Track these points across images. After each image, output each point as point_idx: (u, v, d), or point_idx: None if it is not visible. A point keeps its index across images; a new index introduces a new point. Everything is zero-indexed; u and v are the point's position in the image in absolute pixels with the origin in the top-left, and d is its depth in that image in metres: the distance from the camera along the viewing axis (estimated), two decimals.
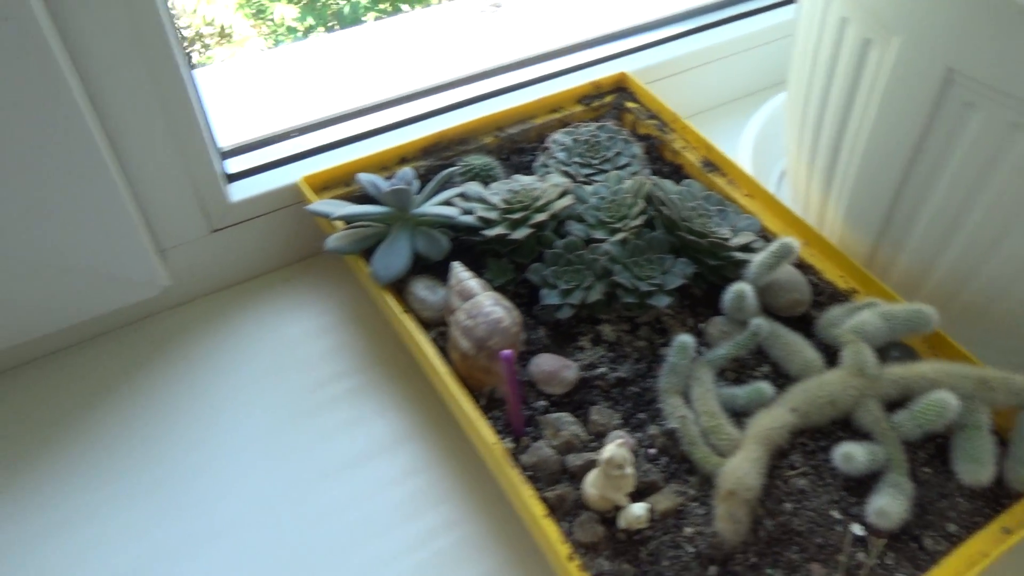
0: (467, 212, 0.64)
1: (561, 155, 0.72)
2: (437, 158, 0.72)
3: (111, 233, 0.59)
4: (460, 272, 0.59)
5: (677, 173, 0.74)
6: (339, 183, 0.70)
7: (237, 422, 0.63)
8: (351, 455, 0.61)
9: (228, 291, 0.72)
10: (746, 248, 0.63)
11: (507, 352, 0.47)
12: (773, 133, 0.83)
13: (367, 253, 0.62)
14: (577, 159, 0.71)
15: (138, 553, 0.56)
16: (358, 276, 0.66)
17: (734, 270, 0.62)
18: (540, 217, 0.62)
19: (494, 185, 0.67)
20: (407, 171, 0.67)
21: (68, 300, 0.61)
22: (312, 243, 0.73)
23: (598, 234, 0.63)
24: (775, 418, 0.52)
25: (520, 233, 0.61)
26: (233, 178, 0.69)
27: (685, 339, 0.55)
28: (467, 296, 0.57)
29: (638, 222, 0.63)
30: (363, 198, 0.67)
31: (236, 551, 0.56)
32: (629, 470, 0.48)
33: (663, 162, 0.75)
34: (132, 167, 0.60)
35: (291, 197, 0.70)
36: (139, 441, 0.61)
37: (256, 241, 0.71)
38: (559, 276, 0.60)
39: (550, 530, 0.48)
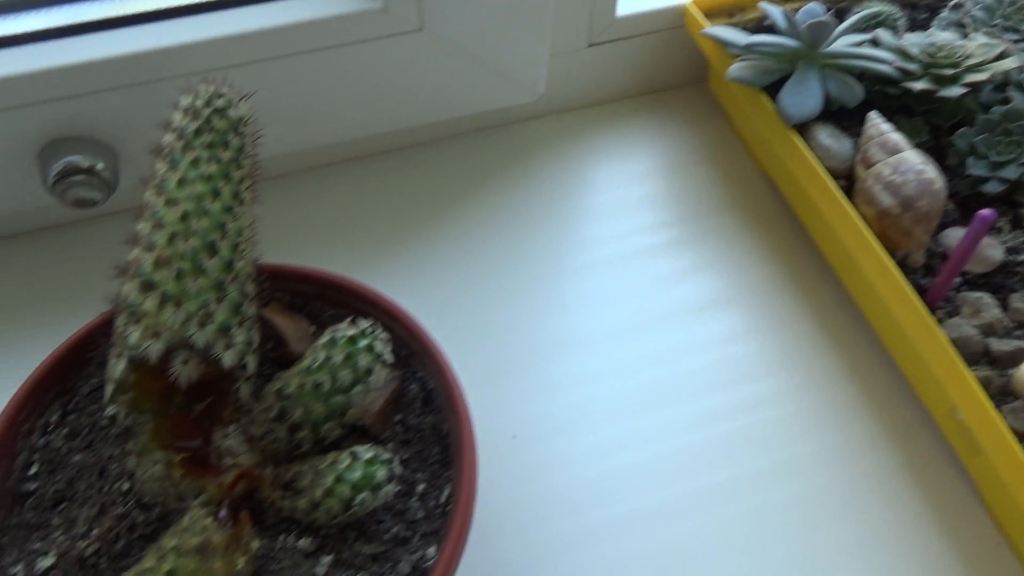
0: (878, 61, 0.58)
1: (980, 14, 0.63)
2: None
3: (523, 30, 0.58)
4: (881, 123, 0.54)
5: None
6: (724, 12, 0.65)
7: (565, 247, 0.62)
8: (684, 304, 0.59)
9: (578, 113, 0.71)
10: None
11: (988, 212, 0.43)
12: None
13: (768, 90, 0.59)
14: (1001, 20, 0.63)
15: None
16: (746, 114, 0.63)
17: None
18: (976, 77, 0.55)
19: (907, 36, 0.60)
20: (814, 6, 0.61)
21: (454, 93, 0.62)
22: (674, 75, 0.70)
23: None
24: None
25: (951, 91, 0.55)
26: None
27: None
28: (892, 150, 0.53)
29: None
30: (756, 31, 0.63)
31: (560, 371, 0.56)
32: None
33: None
34: None
35: (674, 21, 0.66)
36: (491, 242, 0.62)
37: (625, 63, 0.68)
38: (992, 146, 0.54)
39: (988, 407, 0.45)
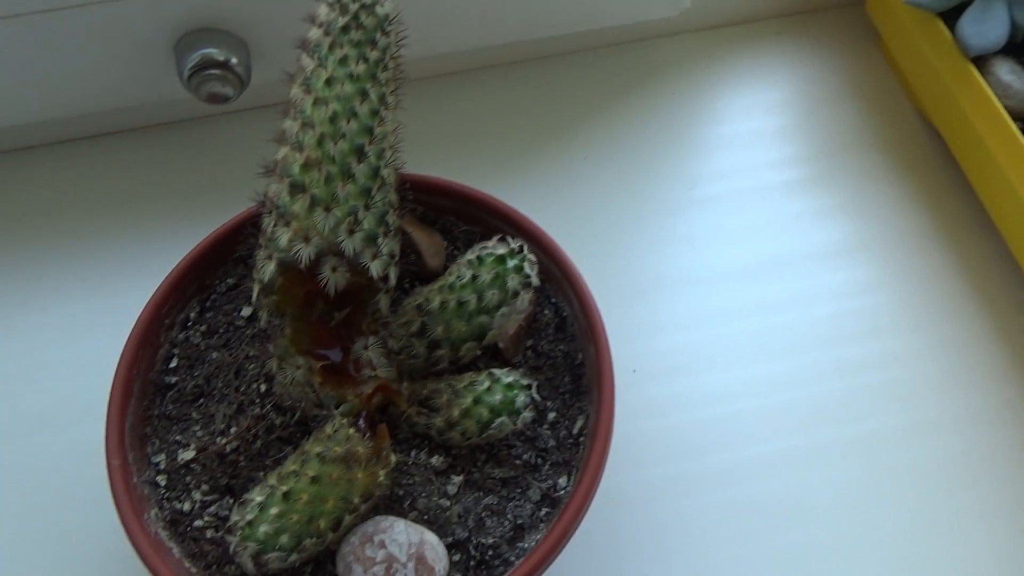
0: None
1: None
2: None
3: None
4: None
5: None
6: None
7: (695, 177, 0.58)
8: (818, 247, 0.55)
9: (717, 32, 0.65)
10: None
11: None
12: None
13: (945, 17, 0.53)
14: None
15: None
16: (913, 42, 0.56)
17: None
18: None
19: None
20: None
21: (596, 1, 0.58)
22: None
23: None
24: None
25: None
26: None
27: None
28: None
29: None
30: None
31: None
32: None
33: None
34: None
35: None
36: (619, 165, 0.59)
37: None
38: None
39: None
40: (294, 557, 0.34)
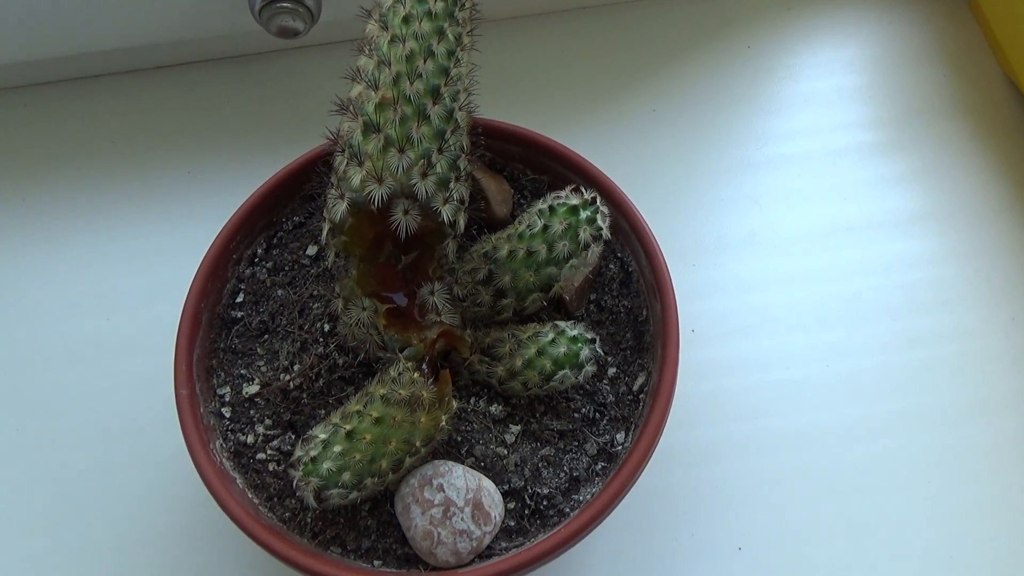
0: None
1: None
2: None
3: None
4: None
5: None
6: None
7: (766, 135, 0.56)
8: (891, 214, 0.53)
9: None
10: None
11: None
12: None
13: None
14: None
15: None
16: (1009, 3, 0.53)
17: None
18: None
19: None
20: None
21: None
22: None
23: None
24: None
25: None
26: None
27: None
28: None
29: None
30: None
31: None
32: None
33: None
34: None
35: None
36: (689, 118, 0.57)
37: None
38: None
39: None
40: (354, 495, 0.34)
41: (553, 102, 0.58)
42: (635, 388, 0.39)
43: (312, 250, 0.42)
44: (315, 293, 0.41)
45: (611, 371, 0.39)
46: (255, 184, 0.43)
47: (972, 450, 0.46)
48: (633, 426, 0.38)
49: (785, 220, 0.54)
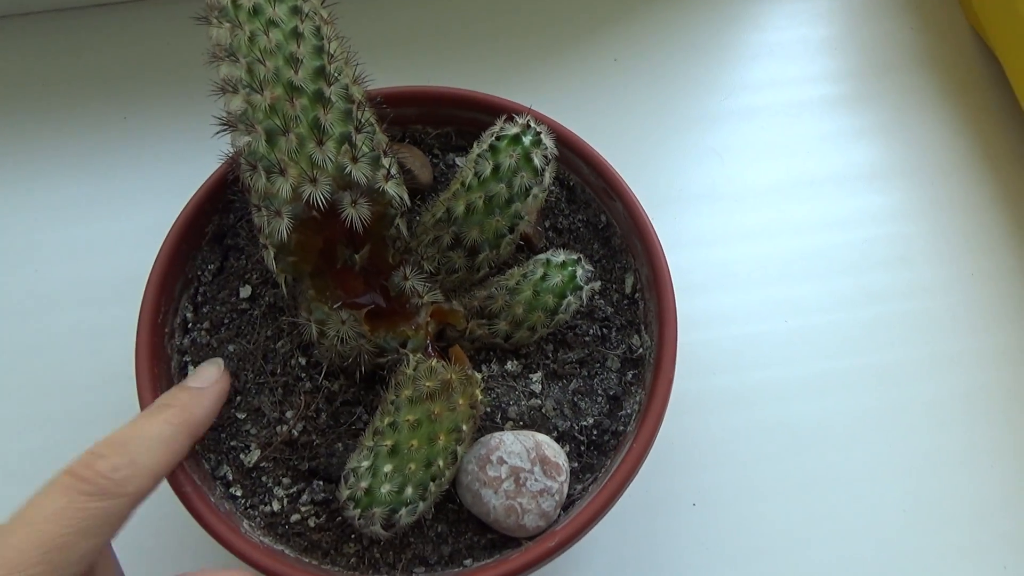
0: None
1: None
2: None
3: None
4: None
5: None
6: None
7: (731, 87, 0.54)
8: (856, 169, 0.52)
9: None
10: None
11: None
12: None
13: None
14: None
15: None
16: None
17: None
18: None
19: None
20: None
21: None
22: None
23: None
24: None
25: None
26: None
27: None
28: None
29: None
30: None
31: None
32: None
33: None
34: None
35: None
36: (651, 71, 0.54)
37: None
38: None
39: None
40: (421, 507, 0.32)
41: (507, 51, 0.54)
42: (627, 291, 0.39)
43: (246, 291, 0.38)
44: (270, 334, 0.37)
45: (597, 284, 0.39)
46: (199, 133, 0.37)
47: (928, 405, 0.46)
48: (643, 325, 0.38)
49: (747, 173, 0.52)
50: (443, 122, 0.41)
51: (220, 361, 0.35)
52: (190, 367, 0.36)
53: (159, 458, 0.30)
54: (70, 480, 0.27)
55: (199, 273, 0.38)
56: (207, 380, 0.33)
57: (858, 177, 0.52)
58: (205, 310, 0.38)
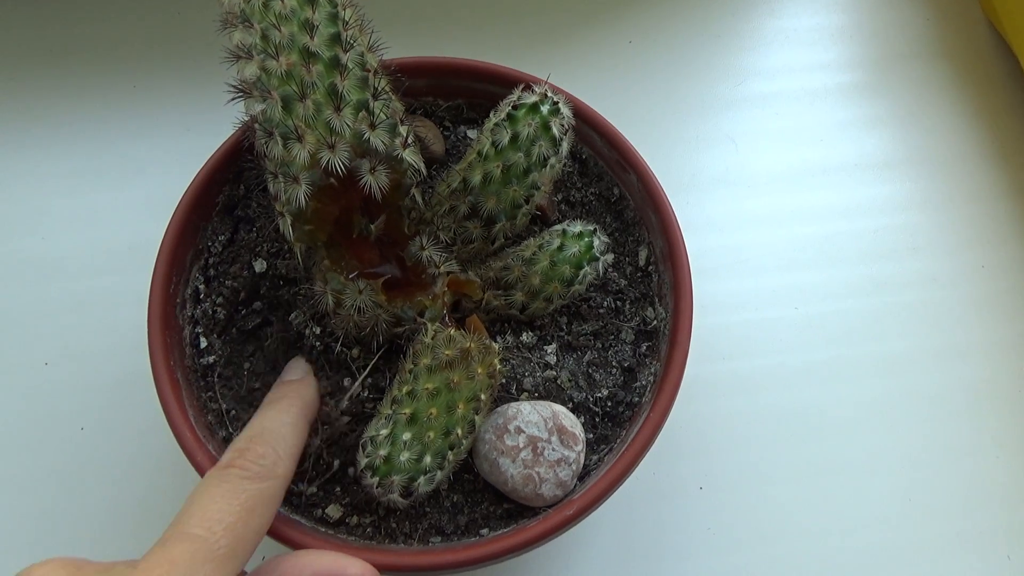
0: None
1: None
2: None
3: None
4: None
5: None
6: None
7: (743, 73, 0.54)
8: (867, 158, 0.52)
9: None
10: None
11: None
12: None
13: None
14: None
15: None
16: None
17: None
18: None
19: None
20: None
21: None
22: None
23: None
24: None
25: None
26: None
27: None
28: None
29: None
30: None
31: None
32: None
33: None
34: None
35: None
36: (665, 54, 0.54)
37: None
38: None
39: None
40: (439, 476, 0.32)
41: (520, 29, 0.54)
42: (641, 263, 0.39)
43: (260, 266, 0.37)
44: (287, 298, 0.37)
45: (610, 257, 0.39)
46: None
47: (936, 396, 0.46)
48: (657, 298, 0.38)
49: (760, 160, 0.52)
50: (454, 94, 0.41)
51: (301, 357, 0.35)
52: (201, 339, 0.36)
53: (292, 441, 0.31)
54: (224, 472, 0.29)
55: (209, 244, 0.38)
56: (301, 372, 0.35)
57: (870, 166, 0.52)
58: (215, 283, 0.37)
